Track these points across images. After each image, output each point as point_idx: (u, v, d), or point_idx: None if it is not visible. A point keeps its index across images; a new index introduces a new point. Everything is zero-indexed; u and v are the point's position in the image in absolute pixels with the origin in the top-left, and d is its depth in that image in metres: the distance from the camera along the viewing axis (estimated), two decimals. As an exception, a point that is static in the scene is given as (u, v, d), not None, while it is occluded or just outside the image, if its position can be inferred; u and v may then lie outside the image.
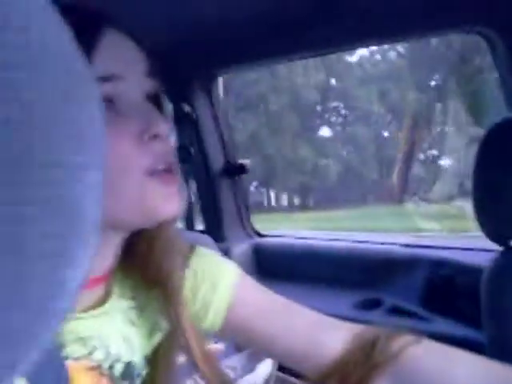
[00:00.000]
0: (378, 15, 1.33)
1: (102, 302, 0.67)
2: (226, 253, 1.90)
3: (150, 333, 0.73)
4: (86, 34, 0.55)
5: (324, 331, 0.75)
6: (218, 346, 1.35)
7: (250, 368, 1.36)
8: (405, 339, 0.72)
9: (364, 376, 0.71)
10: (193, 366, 0.72)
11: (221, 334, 0.77)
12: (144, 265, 0.69)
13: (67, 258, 0.25)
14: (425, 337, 0.74)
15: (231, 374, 1.36)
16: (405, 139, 12.02)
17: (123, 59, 0.60)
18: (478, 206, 0.91)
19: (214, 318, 0.75)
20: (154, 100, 0.64)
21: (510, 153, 0.88)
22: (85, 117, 0.27)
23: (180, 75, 1.86)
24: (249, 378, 1.33)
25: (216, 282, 0.75)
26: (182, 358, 0.78)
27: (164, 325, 0.72)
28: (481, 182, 0.91)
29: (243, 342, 0.79)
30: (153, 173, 0.59)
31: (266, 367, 1.34)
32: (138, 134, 0.58)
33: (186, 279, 0.73)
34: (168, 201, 0.61)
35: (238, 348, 1.43)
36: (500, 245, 0.91)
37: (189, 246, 0.77)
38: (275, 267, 2.00)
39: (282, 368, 1.31)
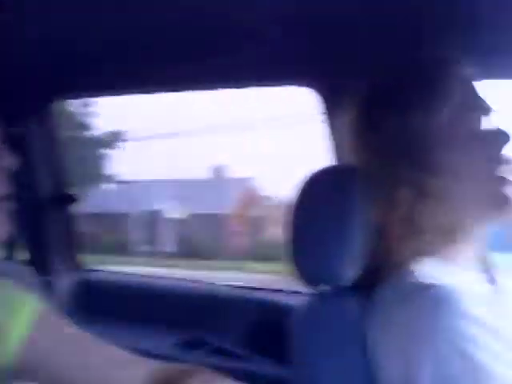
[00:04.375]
0: (222, 60, 1.38)
1: None
2: (49, 286, 1.80)
3: None
4: None
5: (120, 368, 0.73)
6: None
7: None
8: (204, 377, 0.73)
9: None
10: None
11: (15, 369, 0.72)
12: None
13: None
14: (242, 376, 0.75)
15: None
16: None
17: None
18: (293, 249, 0.95)
19: (8, 350, 0.70)
20: None
21: (323, 200, 0.93)
22: None
23: (14, 97, 1.77)
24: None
25: (14, 313, 0.71)
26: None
27: None
28: (296, 226, 0.95)
29: (38, 377, 0.74)
30: None
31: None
32: None
33: None
34: None
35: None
36: (312, 288, 0.95)
37: None
38: (101, 304, 1.94)
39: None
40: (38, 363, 0.71)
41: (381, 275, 0.91)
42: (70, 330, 0.75)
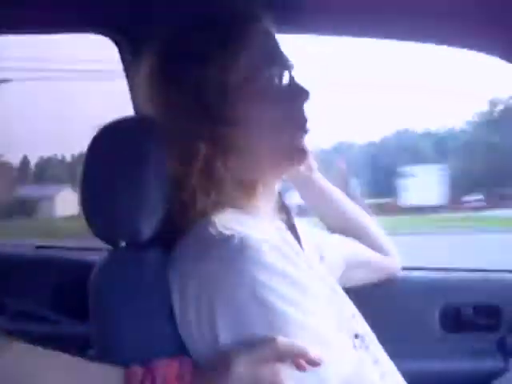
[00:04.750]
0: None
1: None
2: None
3: None
4: None
5: None
6: None
7: None
8: None
9: None
10: None
11: None
12: None
13: None
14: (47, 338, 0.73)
15: None
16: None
17: None
18: (87, 208, 0.91)
19: None
20: None
21: (119, 153, 0.89)
22: None
23: None
24: None
25: None
26: None
27: None
28: (88, 180, 0.91)
29: None
30: None
31: None
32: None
33: None
34: None
35: None
36: (111, 244, 0.92)
37: None
38: None
39: None
40: None
41: (182, 228, 0.90)
42: None
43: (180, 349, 0.82)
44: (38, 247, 1.75)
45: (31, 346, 0.73)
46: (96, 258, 1.54)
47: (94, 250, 1.68)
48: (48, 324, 1.54)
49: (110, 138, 0.92)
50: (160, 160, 0.89)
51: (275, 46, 0.98)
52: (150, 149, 0.88)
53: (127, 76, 1.33)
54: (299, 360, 0.74)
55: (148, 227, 0.88)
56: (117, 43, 1.32)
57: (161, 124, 0.92)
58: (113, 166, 0.89)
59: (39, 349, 0.73)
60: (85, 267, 1.51)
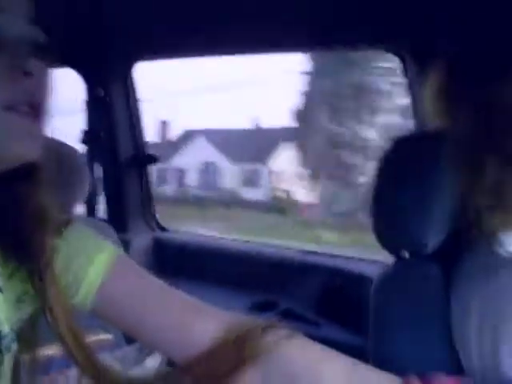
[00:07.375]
0: (294, 23, 1.37)
1: None
2: (126, 244, 1.86)
3: (17, 302, 0.69)
4: None
5: (197, 318, 0.73)
6: (105, 336, 1.32)
7: (139, 360, 1.33)
8: (278, 333, 0.72)
9: (234, 367, 0.70)
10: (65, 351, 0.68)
11: (92, 312, 0.73)
12: (15, 231, 0.66)
13: None
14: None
15: (119, 366, 1.32)
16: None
17: None
18: (375, 217, 0.95)
19: (85, 293, 0.71)
20: (41, 51, 0.62)
21: (407, 167, 0.92)
22: None
23: (97, 58, 1.81)
24: (136, 370, 1.31)
25: (92, 257, 0.72)
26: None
27: (33, 296, 0.68)
28: (379, 194, 0.95)
29: (114, 322, 0.75)
30: (13, 108, 0.58)
31: (155, 360, 1.32)
32: (8, 68, 0.58)
33: (59, 250, 0.69)
34: (26, 138, 0.60)
35: (128, 340, 1.40)
36: (394, 254, 0.94)
37: (65, 219, 0.74)
38: (174, 262, 1.99)
39: (171, 363, 1.29)
40: (111, 305, 0.73)
41: (464, 245, 0.89)
42: (146, 276, 0.76)
43: (456, 366, 0.81)
44: (309, 252, 1.83)
45: (309, 340, 0.76)
46: (360, 266, 1.61)
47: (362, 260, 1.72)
48: (310, 325, 1.61)
49: (402, 151, 0.95)
50: (449, 175, 0.88)
51: None
52: (440, 163, 0.89)
53: (411, 90, 1.34)
54: None
55: (434, 240, 0.89)
56: (401, 58, 1.34)
57: (449, 138, 0.91)
58: (405, 178, 0.91)
59: (319, 345, 0.76)
60: (350, 276, 1.58)
